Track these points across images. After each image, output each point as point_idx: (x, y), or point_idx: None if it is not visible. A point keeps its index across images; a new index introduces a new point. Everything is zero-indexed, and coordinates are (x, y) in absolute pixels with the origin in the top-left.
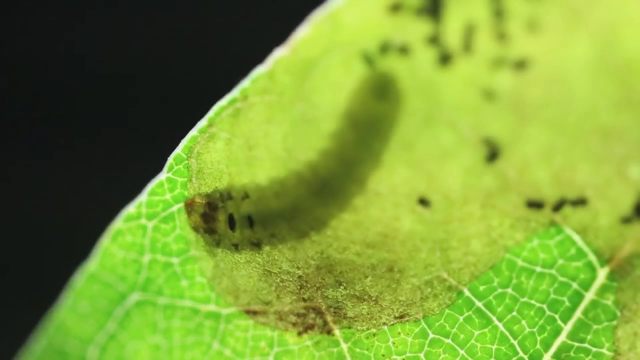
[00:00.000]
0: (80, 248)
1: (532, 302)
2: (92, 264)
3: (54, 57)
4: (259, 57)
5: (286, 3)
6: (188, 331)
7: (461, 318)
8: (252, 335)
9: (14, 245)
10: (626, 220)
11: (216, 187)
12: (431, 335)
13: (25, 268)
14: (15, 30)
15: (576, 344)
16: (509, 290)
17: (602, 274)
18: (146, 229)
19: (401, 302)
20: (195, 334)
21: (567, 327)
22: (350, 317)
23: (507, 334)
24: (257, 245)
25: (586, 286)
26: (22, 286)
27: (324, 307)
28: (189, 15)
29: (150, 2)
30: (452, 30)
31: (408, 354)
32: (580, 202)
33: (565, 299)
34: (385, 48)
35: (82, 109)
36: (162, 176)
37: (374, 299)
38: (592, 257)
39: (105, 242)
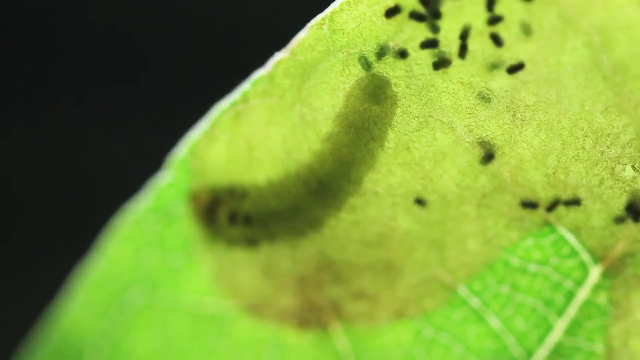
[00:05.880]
0: (79, 246)
1: (527, 299)
2: (92, 262)
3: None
4: (259, 60)
5: (286, 6)
6: (188, 328)
7: (457, 315)
8: (251, 333)
9: (13, 242)
10: (619, 220)
11: (217, 186)
12: (428, 332)
13: (26, 267)
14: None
15: (569, 341)
16: (504, 288)
17: (595, 272)
18: (146, 226)
19: (398, 300)
20: (195, 331)
21: (561, 325)
22: (349, 315)
23: (503, 331)
24: (256, 243)
25: (579, 284)
26: (22, 285)
27: (323, 305)
28: (189, 16)
29: (151, 4)
30: (448, 34)
31: (405, 351)
32: (574, 202)
33: (559, 296)
34: (383, 51)
35: (79, 106)
36: (163, 174)
37: (372, 297)
38: (585, 256)
39: (105, 239)
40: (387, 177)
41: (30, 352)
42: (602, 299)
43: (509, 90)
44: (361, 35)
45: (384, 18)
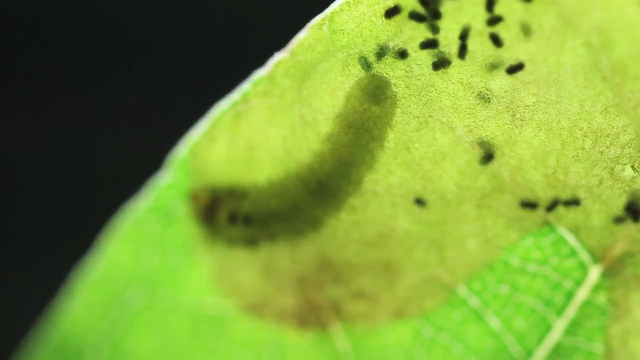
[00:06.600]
0: (79, 246)
1: (527, 299)
2: (92, 262)
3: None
4: (259, 60)
5: (286, 6)
6: (188, 328)
7: (457, 315)
8: (251, 332)
9: (13, 242)
10: (618, 220)
11: (217, 187)
12: (428, 332)
13: (26, 267)
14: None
15: (569, 341)
16: (504, 288)
17: (595, 272)
18: (146, 226)
19: (398, 300)
20: (195, 331)
21: (561, 324)
22: (349, 315)
23: (502, 330)
24: (255, 243)
25: (579, 284)
26: (22, 285)
27: (323, 305)
28: (189, 16)
29: (151, 4)
30: (448, 35)
31: (405, 351)
32: (573, 202)
33: (558, 296)
34: (383, 52)
35: (79, 106)
36: (163, 174)
37: (371, 296)
38: (584, 256)
39: (105, 239)
40: (387, 177)
41: (31, 352)
42: (601, 298)
43: (509, 91)
44: (361, 35)
45: (383, 18)
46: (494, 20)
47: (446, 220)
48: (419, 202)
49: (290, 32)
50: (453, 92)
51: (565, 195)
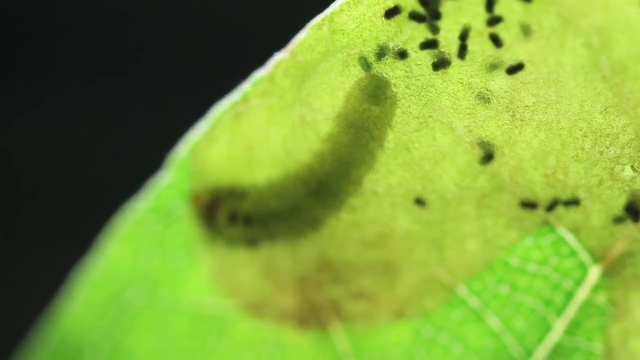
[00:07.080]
0: (79, 246)
1: (526, 299)
2: (92, 262)
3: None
4: (259, 60)
5: (286, 6)
6: (188, 328)
7: (457, 315)
8: (251, 332)
9: (13, 242)
10: (618, 220)
11: (217, 187)
12: (428, 332)
13: (26, 266)
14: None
15: (569, 341)
16: (504, 288)
17: (595, 272)
18: (146, 226)
19: (398, 300)
20: (195, 331)
21: (560, 324)
22: (349, 315)
23: (502, 330)
24: (255, 243)
25: (578, 284)
26: (22, 285)
27: (323, 305)
28: (189, 16)
29: (151, 4)
30: (448, 35)
31: (405, 351)
32: (573, 202)
33: (558, 296)
34: (382, 52)
35: (79, 106)
36: (163, 174)
37: (371, 296)
38: (584, 256)
39: (105, 239)
40: (387, 177)
41: (31, 352)
42: (601, 298)
43: (509, 91)
44: (361, 35)
45: (383, 19)
46: (494, 21)
47: (446, 220)
48: (419, 202)
49: (290, 32)
50: (453, 93)
51: (565, 195)
